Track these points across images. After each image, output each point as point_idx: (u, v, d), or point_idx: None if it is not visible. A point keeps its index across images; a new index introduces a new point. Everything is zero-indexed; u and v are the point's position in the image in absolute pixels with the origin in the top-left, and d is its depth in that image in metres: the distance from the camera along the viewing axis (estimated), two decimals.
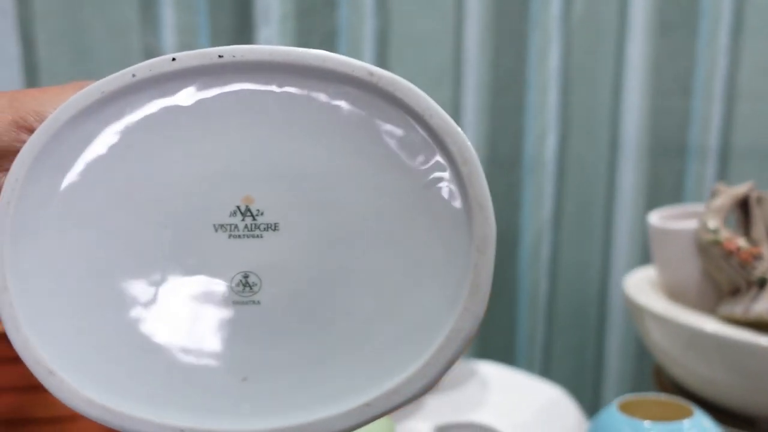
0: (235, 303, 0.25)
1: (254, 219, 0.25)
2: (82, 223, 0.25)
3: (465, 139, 0.24)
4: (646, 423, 0.49)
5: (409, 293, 0.25)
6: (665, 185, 0.84)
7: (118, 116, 0.25)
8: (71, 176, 0.25)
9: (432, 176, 0.24)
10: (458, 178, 0.24)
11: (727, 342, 0.55)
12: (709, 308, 0.61)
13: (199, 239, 0.25)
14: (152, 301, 0.25)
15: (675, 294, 0.63)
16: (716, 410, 0.58)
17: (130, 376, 0.25)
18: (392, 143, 0.25)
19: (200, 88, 0.25)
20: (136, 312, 0.25)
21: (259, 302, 0.25)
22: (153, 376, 0.25)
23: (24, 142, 0.26)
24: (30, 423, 0.49)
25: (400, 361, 0.24)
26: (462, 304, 0.24)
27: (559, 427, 0.59)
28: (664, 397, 0.52)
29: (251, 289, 0.25)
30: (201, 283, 0.25)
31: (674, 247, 0.62)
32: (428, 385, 0.24)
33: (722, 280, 0.59)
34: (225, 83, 0.25)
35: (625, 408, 0.51)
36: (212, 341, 0.25)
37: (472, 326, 0.24)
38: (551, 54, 0.78)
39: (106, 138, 0.25)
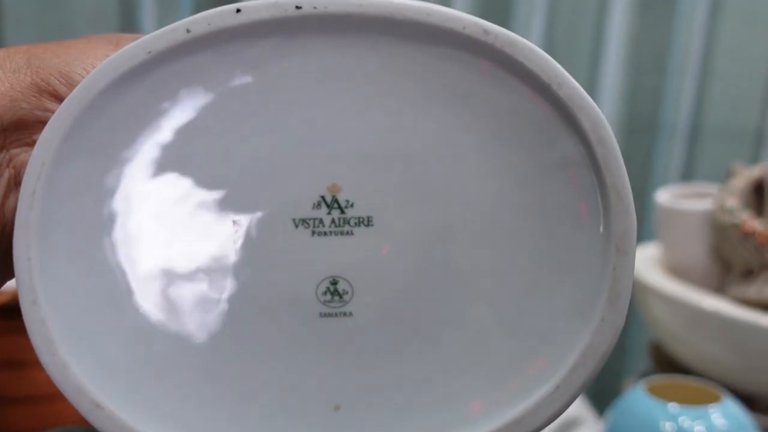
0: (322, 315, 0.21)
1: (343, 212, 0.21)
2: (129, 217, 0.20)
3: (600, 115, 0.19)
4: (672, 406, 0.47)
5: (532, 301, 0.20)
6: (634, 162, 0.84)
7: (169, 83, 0.20)
8: (111, 159, 0.20)
9: (558, 159, 0.20)
10: (592, 161, 0.19)
11: (731, 321, 0.55)
12: (713, 287, 0.60)
13: (275, 238, 0.20)
14: (220, 314, 0.21)
15: (679, 272, 0.62)
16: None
17: (197, 408, 0.20)
18: (509, 118, 0.20)
19: (272, 48, 0.20)
20: (199, 328, 0.20)
21: (350, 314, 0.21)
22: (224, 408, 0.20)
23: (48, 110, 0.21)
24: (6, 402, 0.45)
25: (525, 385, 0.20)
26: (599, 315, 0.19)
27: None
28: (692, 380, 0.50)
29: (341, 298, 0.21)
30: (279, 292, 0.21)
31: (683, 227, 0.61)
32: (557, 414, 0.20)
33: (736, 261, 0.58)
34: (303, 41, 0.20)
35: (652, 390, 0.49)
36: (295, 363, 0.21)
37: (611, 341, 0.19)
38: (534, 28, 0.76)
39: (154, 111, 0.20)
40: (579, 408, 0.57)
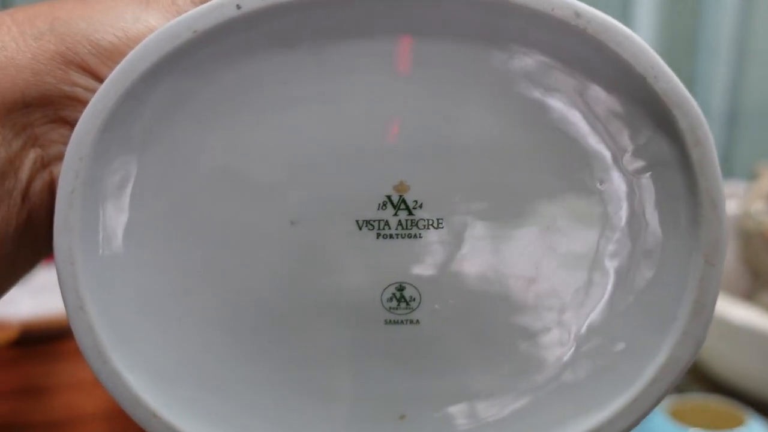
0: (388, 323, 0.19)
1: (411, 213, 0.19)
2: (176, 215, 0.19)
3: (699, 113, 0.18)
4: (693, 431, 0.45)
5: (611, 311, 0.19)
6: None
7: (217, 67, 0.18)
8: (155, 153, 0.19)
9: (646, 159, 0.19)
10: (685, 163, 0.18)
11: (762, 333, 0.53)
12: (744, 294, 0.58)
13: (338, 240, 0.19)
14: (279, 320, 0.19)
15: None
16: (751, 402, 0.56)
17: (257, 416, 0.19)
18: (595, 111, 0.19)
19: (335, 30, 0.18)
20: (256, 333, 0.19)
21: (418, 321, 0.20)
22: (285, 416, 0.19)
23: (75, 84, 0.19)
24: (25, 429, 0.44)
25: (601, 396, 0.19)
26: (682, 327, 0.18)
27: None
28: (715, 401, 0.49)
29: (408, 305, 0.19)
30: (342, 298, 0.19)
31: None
32: (632, 426, 0.19)
33: (763, 268, 0.56)
34: (364, 20, 0.18)
35: (673, 413, 0.47)
36: (359, 371, 0.20)
37: (693, 355, 0.18)
38: None
39: (201, 98, 0.18)
40: None
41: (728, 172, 0.82)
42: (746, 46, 0.80)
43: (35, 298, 0.61)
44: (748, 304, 0.56)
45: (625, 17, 0.78)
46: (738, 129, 0.82)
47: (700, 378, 0.61)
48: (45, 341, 0.60)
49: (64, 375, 0.61)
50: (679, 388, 0.65)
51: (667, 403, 0.48)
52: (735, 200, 0.59)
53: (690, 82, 0.80)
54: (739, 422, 0.46)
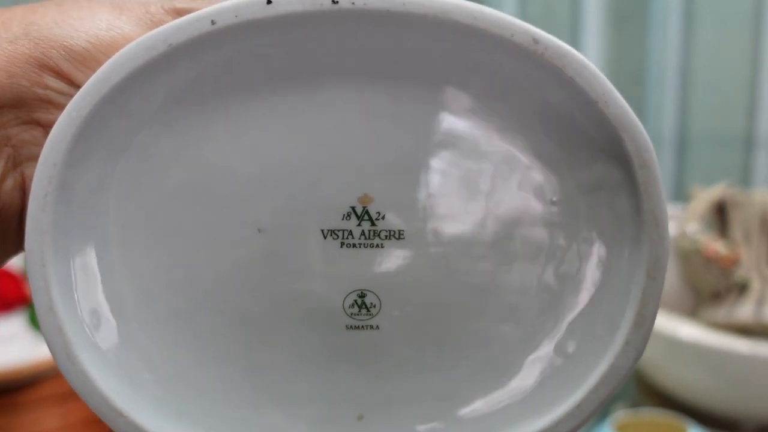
0: (348, 328, 0.20)
1: (373, 224, 0.20)
2: (147, 221, 0.19)
3: (646, 138, 0.19)
4: None
5: (558, 320, 0.20)
6: None
7: (191, 79, 0.19)
8: (128, 160, 0.19)
9: (594, 179, 0.20)
10: (631, 184, 0.19)
11: (707, 349, 0.55)
12: (688, 311, 0.61)
13: (303, 248, 0.20)
14: (243, 323, 0.20)
15: None
16: (700, 415, 0.58)
17: (221, 416, 0.20)
18: (548, 132, 0.20)
19: (304, 44, 0.19)
20: (222, 337, 0.20)
21: (377, 327, 0.20)
22: (248, 415, 0.20)
23: (48, 88, 0.19)
24: None
25: (546, 401, 0.20)
26: (624, 337, 0.19)
27: None
28: (659, 414, 0.50)
29: (368, 311, 0.20)
30: (305, 303, 0.20)
31: None
32: (578, 428, 0.20)
33: (702, 285, 0.59)
34: (338, 39, 0.19)
35: (620, 429, 0.49)
36: (319, 373, 0.20)
37: (633, 363, 0.20)
38: None
39: (175, 109, 0.19)
40: None
41: (679, 195, 0.85)
42: (690, 76, 0.84)
43: None
44: (693, 321, 0.58)
45: (574, 47, 0.81)
46: (687, 154, 0.85)
47: (649, 393, 0.63)
48: (5, 393, 0.59)
49: (25, 426, 0.60)
50: (629, 403, 0.66)
51: (615, 418, 0.49)
52: (673, 222, 0.61)
53: (640, 110, 0.83)
54: None
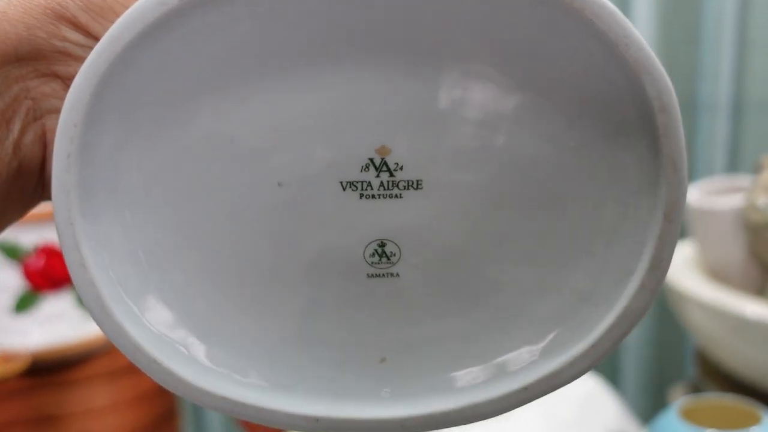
0: (370, 276, 0.21)
1: (392, 175, 0.20)
2: (169, 176, 0.20)
3: (667, 81, 0.19)
4: None
5: (574, 263, 0.21)
6: None
7: (206, 33, 0.19)
8: (147, 117, 0.19)
9: (614, 123, 0.20)
10: (650, 128, 0.19)
11: None
12: (755, 289, 0.57)
13: (322, 200, 0.20)
14: (267, 274, 0.21)
15: (717, 274, 0.60)
16: (765, 397, 0.55)
17: (250, 364, 0.20)
18: (567, 77, 0.20)
19: None
20: (249, 286, 0.21)
21: (397, 275, 0.21)
22: (275, 360, 0.21)
23: (66, 40, 0.20)
24: None
25: (562, 341, 0.20)
26: (639, 280, 0.20)
27: (600, 424, 0.54)
28: (729, 399, 0.48)
29: (389, 259, 0.21)
30: (328, 253, 0.21)
31: (716, 228, 0.59)
32: (590, 368, 0.20)
33: None
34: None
35: (687, 414, 0.46)
36: (343, 320, 0.21)
37: (647, 306, 0.20)
38: None
39: (191, 64, 0.19)
40: (622, 420, 0.55)
41: (734, 164, 0.81)
42: (747, 35, 0.79)
43: (44, 328, 0.62)
44: (761, 299, 0.55)
45: (624, 12, 0.78)
46: (743, 120, 0.81)
47: (714, 376, 0.60)
48: (56, 370, 0.61)
49: (76, 403, 0.61)
50: (689, 384, 0.63)
51: (681, 403, 0.47)
52: (741, 194, 0.58)
53: (693, 72, 0.79)
54: (755, 420, 0.45)
